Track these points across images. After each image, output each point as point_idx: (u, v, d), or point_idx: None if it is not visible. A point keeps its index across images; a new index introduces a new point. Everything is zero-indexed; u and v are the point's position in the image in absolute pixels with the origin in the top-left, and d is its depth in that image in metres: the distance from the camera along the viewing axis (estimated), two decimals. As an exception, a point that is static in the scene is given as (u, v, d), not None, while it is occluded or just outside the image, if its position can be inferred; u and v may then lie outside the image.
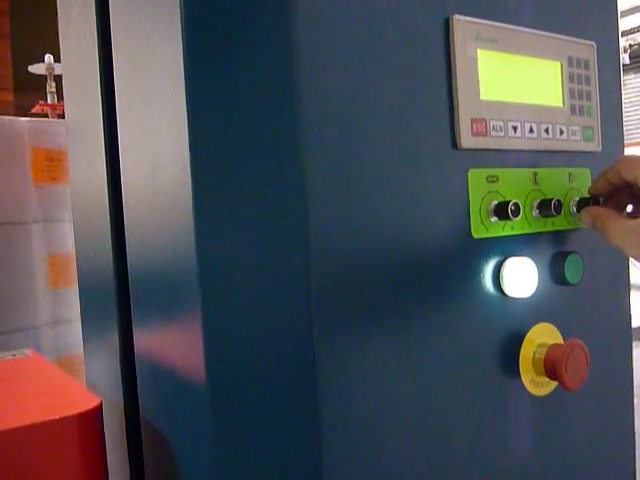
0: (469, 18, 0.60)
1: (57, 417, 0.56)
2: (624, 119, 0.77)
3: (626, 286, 0.76)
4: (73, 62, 0.84)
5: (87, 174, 0.80)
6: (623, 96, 0.77)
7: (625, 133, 0.79)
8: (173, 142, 0.57)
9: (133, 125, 0.66)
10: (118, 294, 0.70)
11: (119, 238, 0.70)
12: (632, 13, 8.03)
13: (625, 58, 8.07)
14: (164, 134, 0.59)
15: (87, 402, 0.59)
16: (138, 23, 0.64)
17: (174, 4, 0.55)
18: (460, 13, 0.60)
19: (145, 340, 0.67)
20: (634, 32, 8.24)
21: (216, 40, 0.54)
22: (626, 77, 8.30)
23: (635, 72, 8.65)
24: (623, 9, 7.08)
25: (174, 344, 0.61)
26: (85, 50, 0.76)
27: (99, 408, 0.59)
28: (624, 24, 7.59)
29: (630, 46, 8.28)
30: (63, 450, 0.56)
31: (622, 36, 7.50)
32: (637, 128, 8.54)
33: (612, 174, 0.64)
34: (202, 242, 0.54)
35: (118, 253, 0.70)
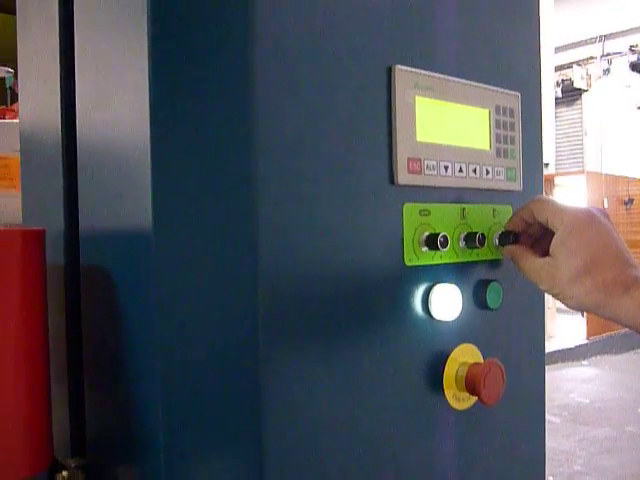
0: (409, 68, 0.68)
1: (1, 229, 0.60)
2: (556, 150, 0.86)
3: (542, 311, 0.85)
4: (32, 79, 0.86)
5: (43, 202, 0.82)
6: (556, 128, 0.86)
7: (556, 163, 0.88)
8: (137, 161, 0.61)
9: (94, 140, 0.70)
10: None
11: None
12: (565, 50, 8.44)
13: (558, 92, 8.45)
14: (128, 151, 0.63)
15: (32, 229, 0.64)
16: (104, 46, 0.68)
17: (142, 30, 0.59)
18: (401, 63, 0.67)
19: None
20: (566, 68, 8.64)
21: (181, 80, 0.59)
22: (558, 110, 8.67)
23: (567, 105, 9.05)
24: (557, 45, 7.44)
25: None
26: (46, 69, 0.79)
27: (43, 233, 0.63)
28: (557, 59, 7.97)
29: (562, 81, 8.68)
30: (6, 264, 0.59)
31: (555, 71, 7.87)
32: (568, 158, 8.92)
33: (525, 213, 0.72)
34: (160, 251, 0.58)
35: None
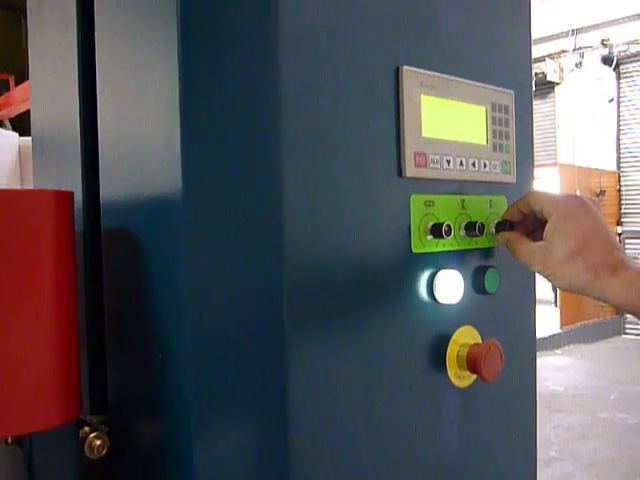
0: (415, 68, 0.72)
1: (36, 189, 0.63)
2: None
3: (533, 296, 0.90)
4: (46, 74, 0.89)
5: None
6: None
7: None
8: (164, 164, 0.65)
9: (118, 140, 0.73)
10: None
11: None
12: (538, 43, 8.55)
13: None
14: (155, 154, 0.67)
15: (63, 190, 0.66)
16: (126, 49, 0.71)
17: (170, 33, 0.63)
18: (407, 64, 0.72)
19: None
20: (539, 61, 8.75)
21: (210, 76, 0.63)
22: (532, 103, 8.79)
23: (540, 98, 9.17)
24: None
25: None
26: (64, 68, 0.82)
27: (72, 195, 0.66)
28: (531, 53, 8.05)
29: (536, 74, 8.79)
30: (40, 222, 0.62)
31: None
32: (541, 151, 9.04)
33: (522, 204, 0.77)
34: (189, 239, 0.61)
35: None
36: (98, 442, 0.66)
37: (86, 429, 0.67)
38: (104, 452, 0.66)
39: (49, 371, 0.61)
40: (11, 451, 0.70)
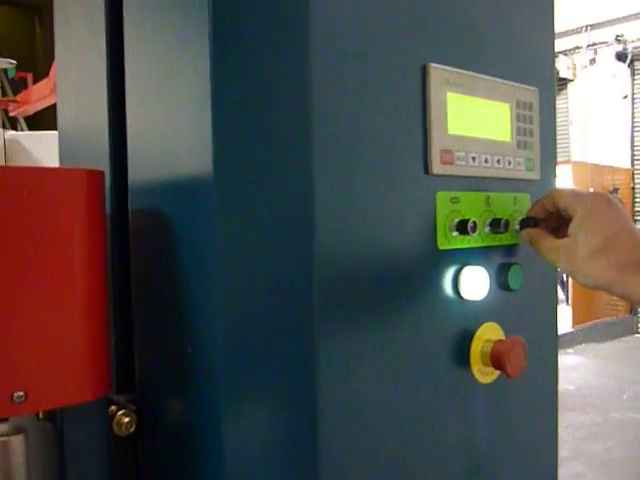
0: (441, 66, 0.73)
1: (69, 167, 0.64)
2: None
3: (555, 293, 0.91)
4: (74, 74, 0.90)
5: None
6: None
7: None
8: (195, 157, 0.65)
9: (149, 141, 0.74)
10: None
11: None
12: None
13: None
14: (186, 151, 0.67)
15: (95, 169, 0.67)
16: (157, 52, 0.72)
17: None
18: (434, 62, 0.72)
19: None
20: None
21: (243, 79, 0.63)
22: (544, 100, 8.73)
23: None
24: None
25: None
26: (91, 64, 0.83)
27: (103, 174, 0.67)
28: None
29: (549, 71, 8.75)
30: (73, 200, 0.63)
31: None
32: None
33: (547, 201, 0.78)
34: (221, 228, 0.61)
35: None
36: (126, 419, 0.67)
37: (113, 407, 0.68)
38: (132, 429, 0.67)
39: (81, 346, 0.63)
40: (42, 426, 0.72)
